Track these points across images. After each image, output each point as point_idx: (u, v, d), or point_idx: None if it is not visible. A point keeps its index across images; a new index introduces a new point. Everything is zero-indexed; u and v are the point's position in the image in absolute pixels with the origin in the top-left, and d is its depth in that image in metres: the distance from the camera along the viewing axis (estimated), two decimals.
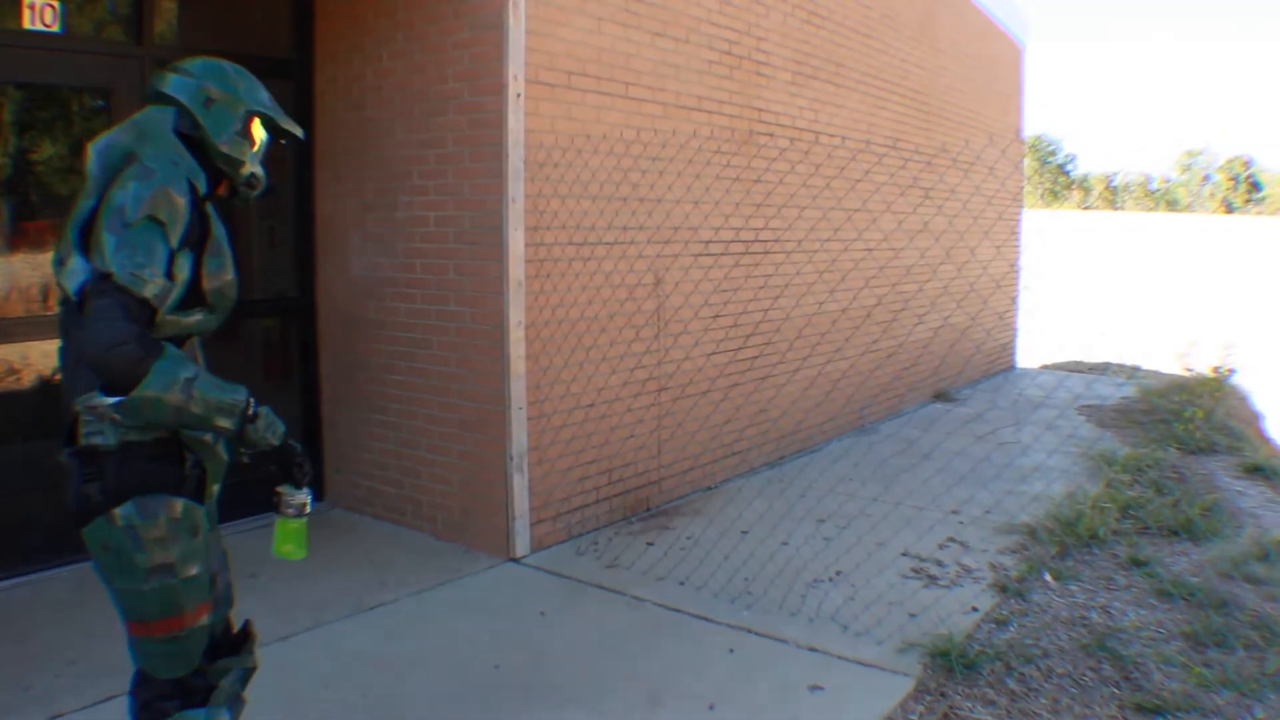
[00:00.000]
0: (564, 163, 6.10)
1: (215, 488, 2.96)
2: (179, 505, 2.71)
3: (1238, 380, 12.01)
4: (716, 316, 7.51)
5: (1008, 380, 13.83)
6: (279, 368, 7.06)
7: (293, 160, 6.80)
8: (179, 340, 2.75)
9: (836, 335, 9.01)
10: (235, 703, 2.91)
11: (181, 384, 2.47)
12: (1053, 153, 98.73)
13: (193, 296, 2.73)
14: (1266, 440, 11.63)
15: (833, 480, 7.72)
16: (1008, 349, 14.83)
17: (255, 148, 2.98)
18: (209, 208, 2.85)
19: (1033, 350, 15.52)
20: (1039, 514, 6.80)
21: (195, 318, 2.75)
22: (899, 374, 10.51)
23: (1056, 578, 5.77)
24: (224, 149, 2.87)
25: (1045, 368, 15.45)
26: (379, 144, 6.43)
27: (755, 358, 8.09)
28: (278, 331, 7.05)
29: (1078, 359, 15.82)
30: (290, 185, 6.85)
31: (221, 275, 2.81)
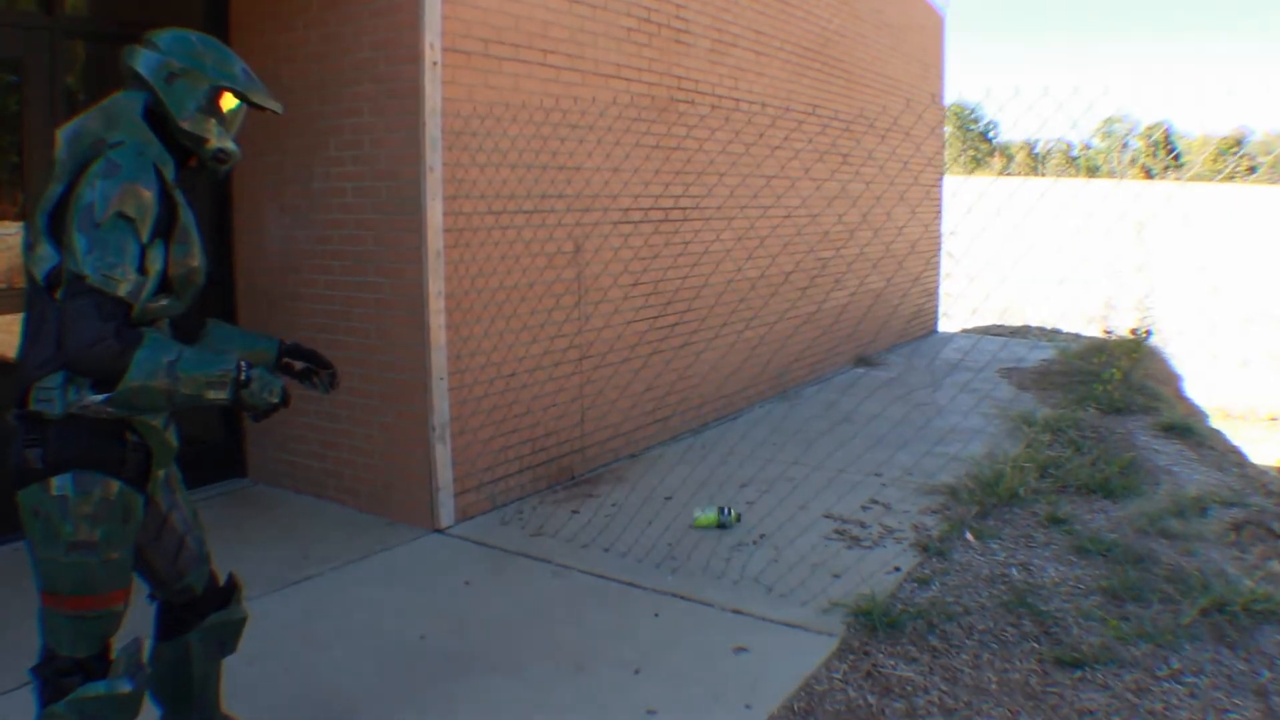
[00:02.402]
0: (482, 131, 6.06)
1: (161, 473, 3.00)
2: (115, 486, 2.74)
3: (1156, 342, 12.21)
4: (635, 284, 7.50)
5: (930, 344, 13.98)
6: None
7: None
8: (147, 325, 2.80)
9: (754, 301, 9.03)
10: (137, 672, 2.88)
11: (165, 369, 2.54)
12: (975, 120, 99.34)
13: (160, 283, 2.76)
14: (1183, 399, 11.86)
15: (754, 445, 7.76)
16: (929, 313, 14.97)
17: (225, 123, 2.96)
18: (177, 194, 2.81)
19: (954, 314, 15.68)
20: (960, 474, 6.88)
21: (161, 303, 2.80)
22: (817, 339, 10.57)
23: (977, 536, 5.85)
24: (185, 126, 2.86)
25: (966, 331, 15.62)
26: (295, 115, 6.33)
27: (674, 324, 8.10)
28: (195, 307, 6.91)
29: (999, 323, 16.01)
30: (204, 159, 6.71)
31: (187, 261, 2.83)
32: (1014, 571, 5.36)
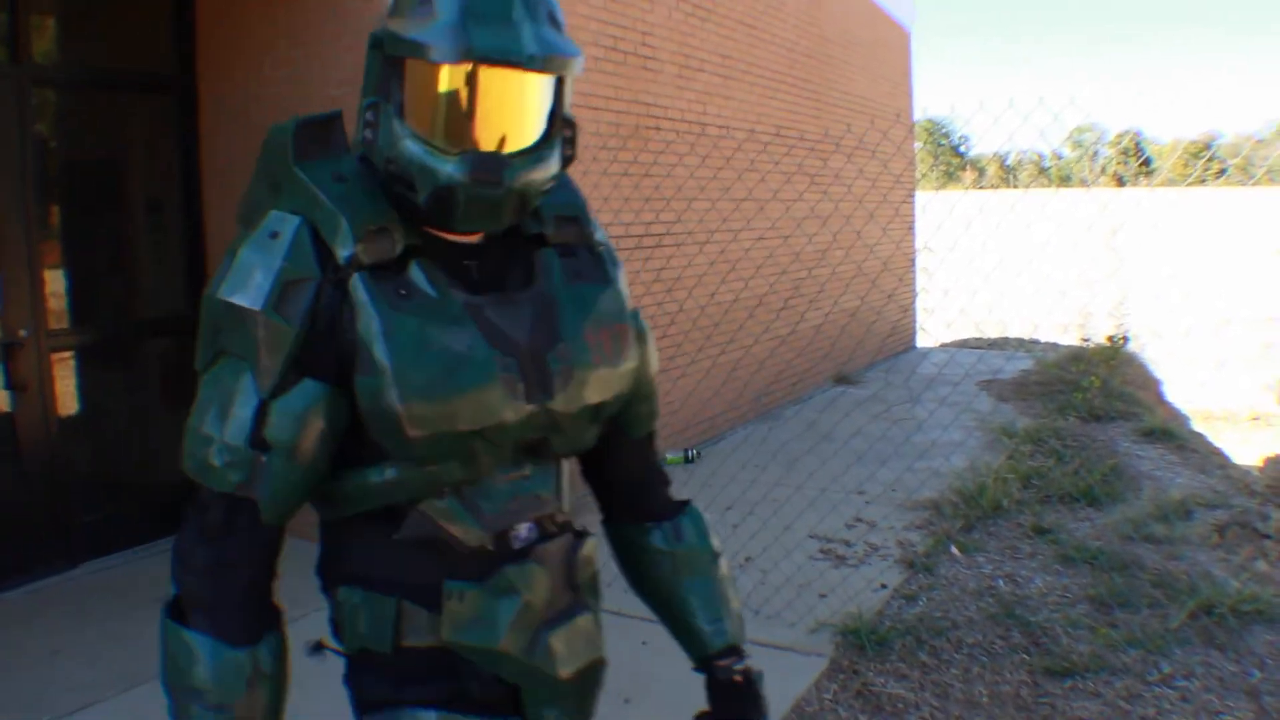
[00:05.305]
0: None
1: (550, 716, 1.76)
2: None
3: (1134, 348, 12.26)
4: None
5: (908, 359, 14.00)
6: (174, 386, 6.86)
7: (179, 175, 6.65)
8: (388, 511, 1.69)
9: (730, 324, 9.02)
10: None
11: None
12: (946, 135, 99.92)
13: (364, 447, 1.63)
14: (1164, 404, 11.90)
15: (737, 467, 7.74)
16: (906, 329, 14.99)
17: (414, 117, 1.56)
18: (355, 285, 1.55)
19: (931, 329, 15.71)
20: (943, 488, 6.89)
21: (388, 475, 1.63)
22: (794, 359, 10.56)
23: (962, 550, 5.86)
24: (365, 138, 1.64)
25: (944, 345, 15.64)
26: None
27: None
28: (174, 350, 6.84)
29: (976, 336, 16.04)
30: (177, 200, 6.68)
31: (383, 403, 1.53)
32: (1001, 583, 5.36)
